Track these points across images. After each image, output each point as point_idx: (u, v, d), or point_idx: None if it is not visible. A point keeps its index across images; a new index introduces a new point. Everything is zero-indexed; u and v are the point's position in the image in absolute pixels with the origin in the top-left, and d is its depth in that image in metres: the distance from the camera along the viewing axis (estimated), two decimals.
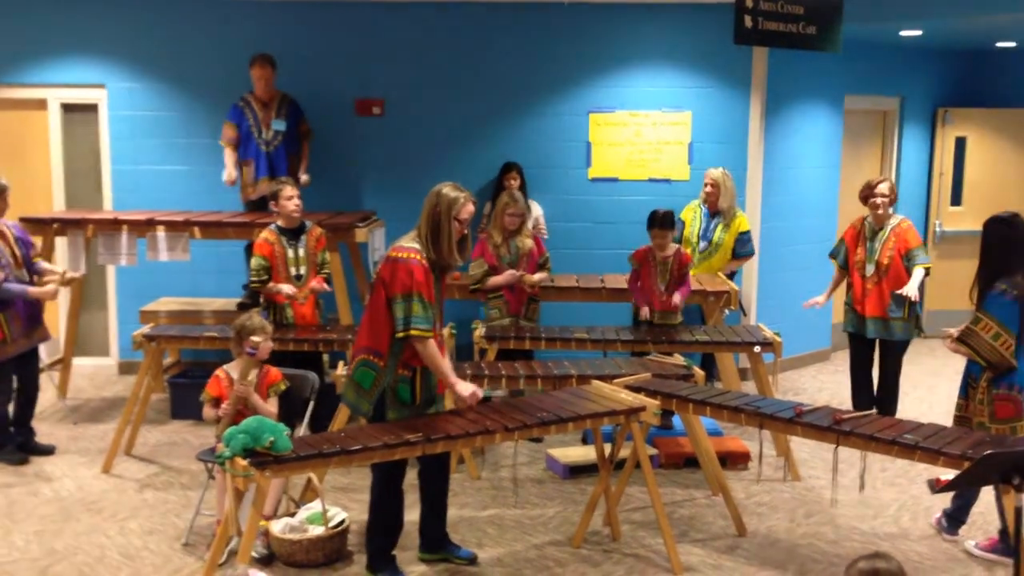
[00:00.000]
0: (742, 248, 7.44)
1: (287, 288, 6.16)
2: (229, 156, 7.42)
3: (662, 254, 6.37)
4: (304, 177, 7.45)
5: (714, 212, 7.40)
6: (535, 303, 6.76)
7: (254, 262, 6.17)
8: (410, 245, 4.45)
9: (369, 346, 4.46)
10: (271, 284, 6.17)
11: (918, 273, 6.26)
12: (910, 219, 6.58)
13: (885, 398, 6.55)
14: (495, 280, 6.50)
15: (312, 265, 6.32)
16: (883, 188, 6.37)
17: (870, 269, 6.37)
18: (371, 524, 4.65)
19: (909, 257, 6.32)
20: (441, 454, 4.58)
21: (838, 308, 8.74)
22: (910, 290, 6.15)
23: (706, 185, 7.41)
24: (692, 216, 7.44)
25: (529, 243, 6.65)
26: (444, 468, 4.83)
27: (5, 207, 6.14)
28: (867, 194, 6.41)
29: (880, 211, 6.36)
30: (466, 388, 4.51)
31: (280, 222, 6.28)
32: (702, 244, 7.36)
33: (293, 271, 6.23)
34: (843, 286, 6.70)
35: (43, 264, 6.36)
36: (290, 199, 6.19)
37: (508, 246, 6.58)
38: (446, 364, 4.51)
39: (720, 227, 7.36)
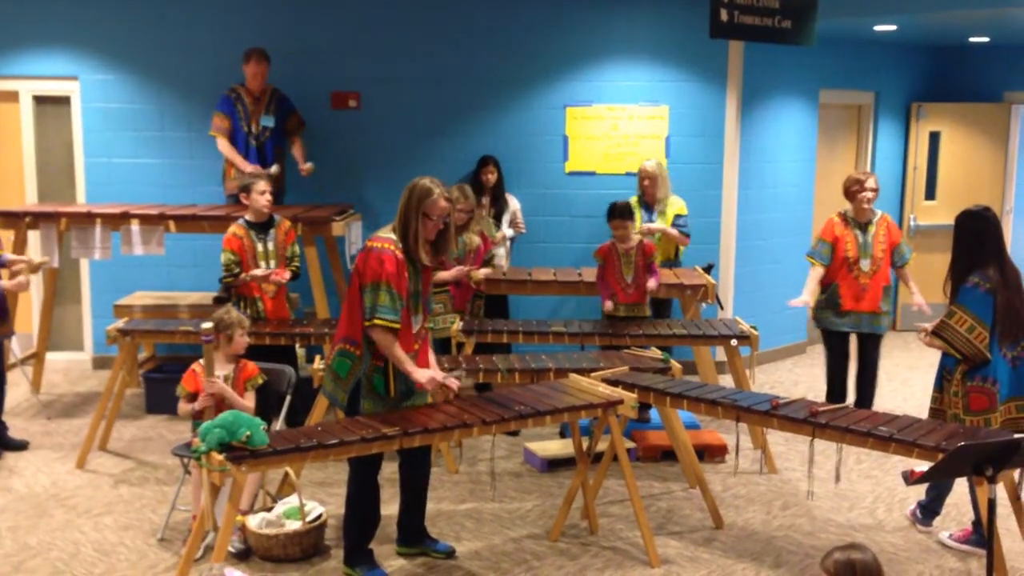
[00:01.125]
0: (681, 229, 7.41)
1: (260, 271, 6.12)
2: (228, 147, 7.33)
3: (624, 246, 6.36)
4: (307, 165, 7.39)
5: (651, 204, 7.42)
6: (480, 299, 6.78)
7: (224, 257, 6.12)
8: (386, 235, 4.44)
9: (347, 335, 4.46)
10: (242, 275, 6.12)
11: (909, 276, 6.45)
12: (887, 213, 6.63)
13: (869, 390, 6.59)
14: (442, 275, 6.46)
15: (281, 259, 6.27)
16: (872, 183, 6.40)
17: (866, 264, 6.36)
18: (347, 518, 4.63)
19: (899, 251, 6.40)
20: (422, 447, 4.57)
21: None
22: (922, 301, 6.25)
23: (643, 180, 7.41)
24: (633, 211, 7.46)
25: (476, 240, 6.66)
26: (425, 462, 4.82)
27: None
28: (857, 188, 6.38)
29: (867, 206, 6.38)
30: (423, 375, 4.46)
31: (249, 216, 6.23)
32: (648, 238, 7.39)
33: (263, 265, 6.18)
34: (816, 283, 6.68)
35: (9, 256, 6.28)
36: (263, 193, 6.15)
37: (455, 241, 6.56)
38: (403, 353, 4.41)
39: (659, 217, 7.40)
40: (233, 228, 6.19)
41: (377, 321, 4.33)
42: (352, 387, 4.48)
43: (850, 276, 6.41)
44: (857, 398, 6.65)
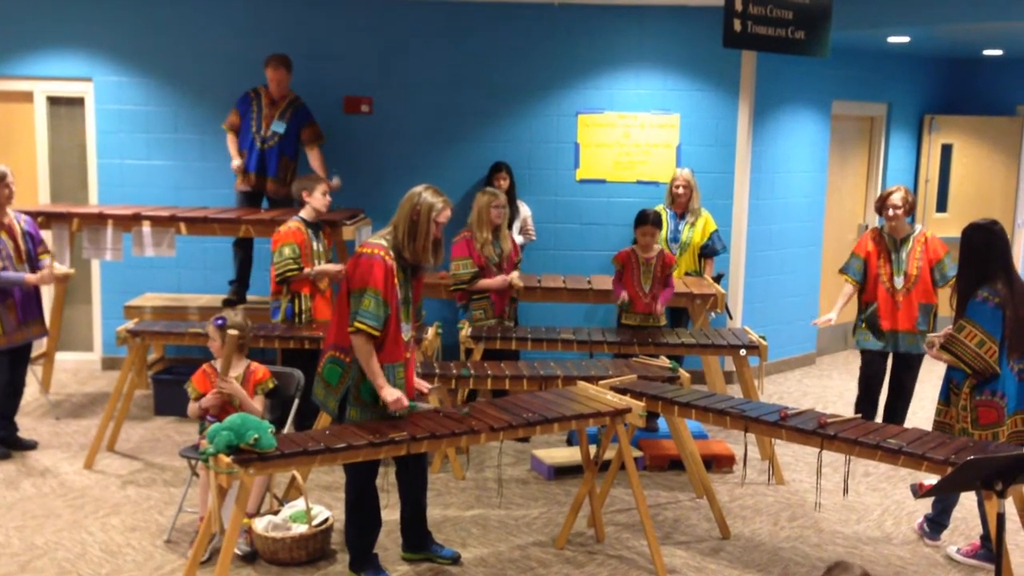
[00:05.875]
0: (719, 245, 7.51)
1: (334, 266, 6.30)
2: (232, 142, 7.45)
3: (646, 255, 6.36)
4: (334, 182, 7.22)
5: (682, 213, 7.45)
6: (515, 303, 6.78)
7: (290, 250, 6.14)
8: (378, 242, 4.44)
9: (336, 342, 4.46)
10: (307, 270, 6.21)
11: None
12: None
13: (901, 410, 6.47)
14: (486, 283, 6.48)
15: (326, 260, 6.42)
16: (896, 199, 6.21)
17: (899, 282, 6.23)
18: (348, 525, 4.63)
19: (941, 268, 6.19)
20: (417, 455, 4.55)
21: (823, 311, 8.79)
22: None
23: (677, 187, 7.47)
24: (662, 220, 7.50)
25: (509, 245, 6.67)
26: (421, 467, 4.81)
27: (9, 194, 6.11)
28: (880, 205, 6.28)
29: (895, 222, 6.24)
30: (391, 394, 4.41)
31: (305, 214, 6.33)
32: (672, 247, 7.41)
33: (317, 263, 6.29)
34: (833, 298, 6.57)
35: (46, 262, 6.32)
36: (324, 195, 6.33)
37: (493, 247, 6.56)
38: (378, 366, 4.39)
39: (688, 227, 7.43)
40: (295, 223, 6.26)
41: (358, 325, 4.30)
42: (341, 395, 4.48)
43: (885, 294, 6.29)
44: (892, 419, 6.52)
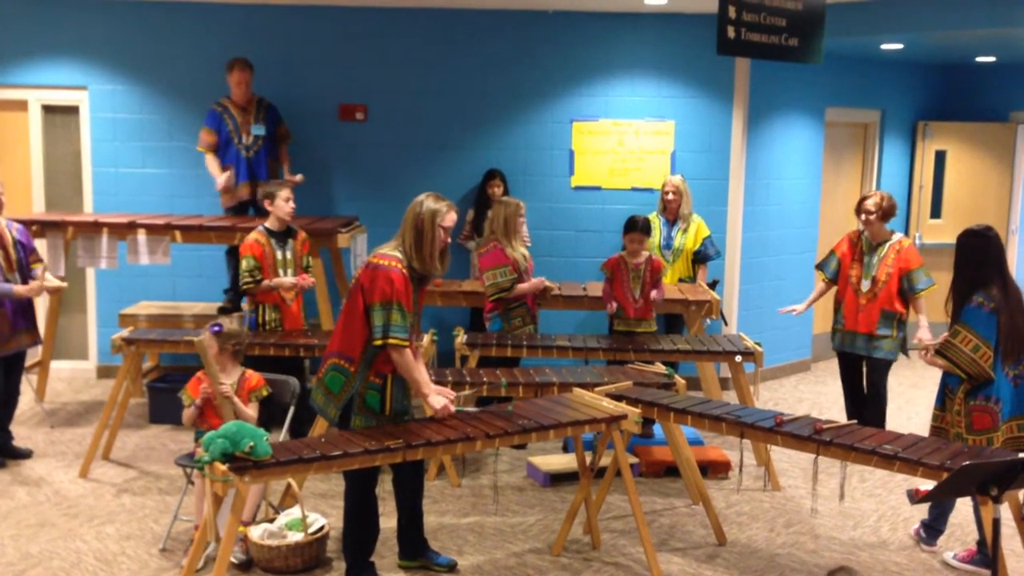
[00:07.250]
0: (712, 251, 7.52)
1: (288, 279, 6.24)
2: (213, 162, 7.41)
3: (634, 261, 6.37)
4: (298, 177, 7.40)
5: (673, 219, 7.48)
6: (539, 307, 6.81)
7: (246, 263, 6.16)
8: (392, 253, 4.45)
9: (341, 351, 4.46)
10: (266, 282, 6.17)
11: (923, 307, 6.14)
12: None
13: (873, 416, 6.49)
14: (523, 288, 6.48)
15: (298, 268, 6.36)
16: (869, 204, 6.23)
17: (866, 285, 6.26)
18: (347, 531, 4.63)
19: (910, 279, 6.17)
20: (413, 462, 4.56)
21: (819, 318, 8.82)
22: (925, 336, 5.84)
23: (667, 193, 7.49)
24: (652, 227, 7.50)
25: (526, 251, 6.70)
26: (418, 474, 4.81)
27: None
28: (857, 208, 6.33)
29: (869, 227, 6.26)
30: (438, 401, 4.50)
31: (269, 223, 6.29)
32: (665, 253, 7.42)
33: (281, 273, 6.24)
34: (830, 305, 6.59)
35: (38, 271, 6.31)
36: (288, 201, 6.25)
37: (519, 253, 6.57)
38: (422, 374, 4.50)
39: (680, 233, 7.46)
40: (254, 235, 6.25)
41: (391, 340, 4.34)
42: (344, 403, 4.48)
43: (851, 295, 6.36)
44: (865, 424, 6.53)
